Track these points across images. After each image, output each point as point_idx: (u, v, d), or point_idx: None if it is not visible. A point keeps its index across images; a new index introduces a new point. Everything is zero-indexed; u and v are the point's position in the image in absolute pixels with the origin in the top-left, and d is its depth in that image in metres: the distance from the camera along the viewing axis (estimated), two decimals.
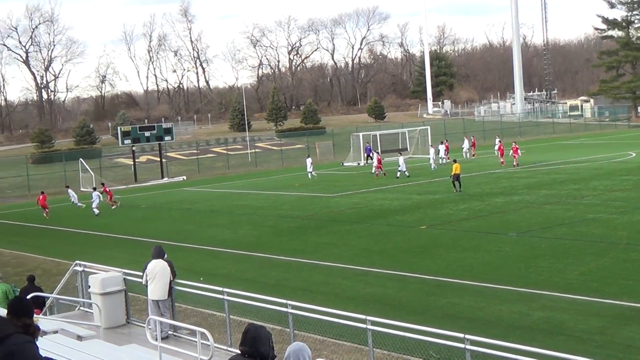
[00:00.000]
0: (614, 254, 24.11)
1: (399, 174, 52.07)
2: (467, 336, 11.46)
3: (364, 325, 13.01)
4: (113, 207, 46.85)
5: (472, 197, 40.32)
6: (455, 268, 23.66)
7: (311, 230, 33.55)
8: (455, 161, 44.20)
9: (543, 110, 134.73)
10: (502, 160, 57.95)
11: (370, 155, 70.10)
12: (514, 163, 54.94)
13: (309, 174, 58.40)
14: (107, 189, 48.33)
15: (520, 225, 30.73)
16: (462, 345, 11.54)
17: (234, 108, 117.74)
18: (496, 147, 62.18)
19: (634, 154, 61.22)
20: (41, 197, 45.53)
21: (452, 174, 43.04)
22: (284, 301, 14.56)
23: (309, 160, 59.88)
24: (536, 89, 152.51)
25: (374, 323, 12.89)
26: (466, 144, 69.40)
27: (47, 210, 45.22)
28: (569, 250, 25.00)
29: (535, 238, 27.67)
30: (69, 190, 49.24)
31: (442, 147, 65.54)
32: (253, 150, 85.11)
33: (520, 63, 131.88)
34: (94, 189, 47.17)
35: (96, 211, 43.81)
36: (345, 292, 21.86)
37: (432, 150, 60.34)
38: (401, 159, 53.28)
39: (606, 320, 17.51)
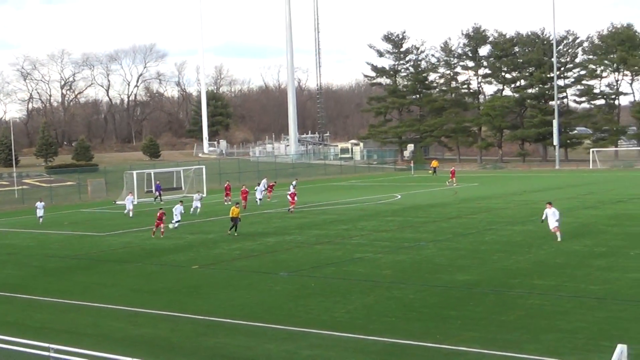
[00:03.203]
0: (379, 292, 25.09)
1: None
2: None
3: None
4: None
5: (245, 236, 40.65)
6: (226, 307, 23.70)
7: (80, 271, 32.49)
8: (237, 204, 43.86)
9: (316, 152, 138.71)
10: (244, 204, 56.71)
11: (160, 193, 69.61)
12: (290, 209, 53.26)
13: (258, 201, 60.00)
14: None
15: (291, 264, 31.33)
16: None
17: (1, 142, 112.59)
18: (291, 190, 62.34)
19: (400, 196, 64.26)
20: None
21: (231, 216, 42.31)
22: (47, 345, 13.99)
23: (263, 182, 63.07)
24: (310, 132, 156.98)
25: None
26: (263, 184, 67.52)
27: None
28: (337, 289, 25.75)
29: (305, 277, 28.31)
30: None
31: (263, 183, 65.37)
32: (20, 187, 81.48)
33: (295, 106, 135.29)
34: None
35: None
36: (114, 333, 21.29)
37: (197, 196, 57.25)
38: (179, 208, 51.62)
39: (370, 356, 18.11)
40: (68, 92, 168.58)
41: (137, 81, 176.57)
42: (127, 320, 22.85)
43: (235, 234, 41.15)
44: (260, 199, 61.25)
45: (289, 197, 54.20)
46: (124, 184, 73.07)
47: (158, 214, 42.36)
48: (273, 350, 18.82)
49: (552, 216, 34.44)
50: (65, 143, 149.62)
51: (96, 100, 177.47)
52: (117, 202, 69.10)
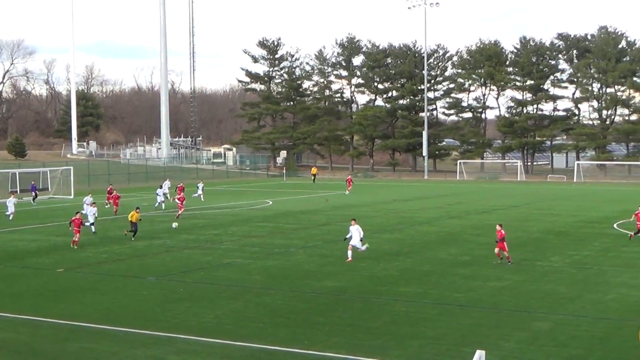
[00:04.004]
0: (248, 297, 25.06)
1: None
2: None
3: None
4: None
5: (113, 240, 39.87)
6: (91, 312, 23.17)
7: None
8: (137, 209, 41.84)
9: (188, 156, 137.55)
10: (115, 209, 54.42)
11: (36, 193, 67.59)
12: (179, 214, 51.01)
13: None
14: None
15: (159, 269, 30.93)
16: None
17: None
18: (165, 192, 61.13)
19: (271, 202, 64.44)
20: None
21: (130, 220, 40.28)
22: None
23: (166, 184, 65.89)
24: (182, 135, 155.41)
25: None
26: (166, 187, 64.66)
27: None
28: (206, 294, 25.58)
29: (173, 282, 27.99)
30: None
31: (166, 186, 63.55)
32: None
33: (168, 109, 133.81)
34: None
35: None
36: None
37: (88, 198, 54.68)
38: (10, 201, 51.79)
39: None
40: None
41: (3, 78, 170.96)
42: None
43: (132, 238, 39.76)
44: (162, 202, 59.05)
45: (177, 200, 52.99)
46: None
47: (75, 220, 37.56)
48: (139, 356, 18.53)
49: (356, 233, 32.66)
50: None
51: None
52: None
